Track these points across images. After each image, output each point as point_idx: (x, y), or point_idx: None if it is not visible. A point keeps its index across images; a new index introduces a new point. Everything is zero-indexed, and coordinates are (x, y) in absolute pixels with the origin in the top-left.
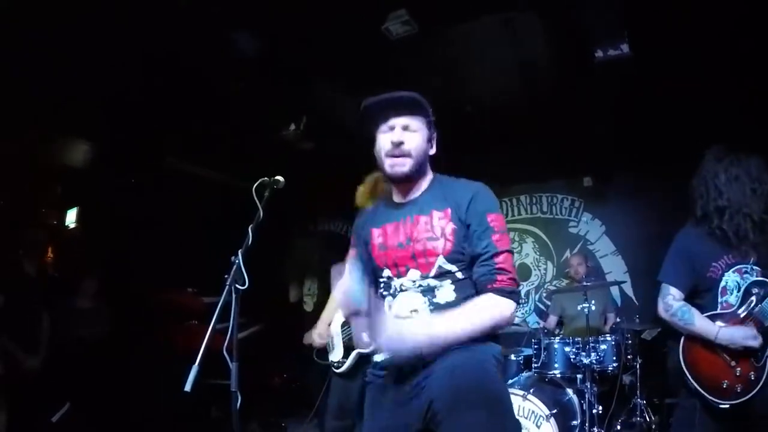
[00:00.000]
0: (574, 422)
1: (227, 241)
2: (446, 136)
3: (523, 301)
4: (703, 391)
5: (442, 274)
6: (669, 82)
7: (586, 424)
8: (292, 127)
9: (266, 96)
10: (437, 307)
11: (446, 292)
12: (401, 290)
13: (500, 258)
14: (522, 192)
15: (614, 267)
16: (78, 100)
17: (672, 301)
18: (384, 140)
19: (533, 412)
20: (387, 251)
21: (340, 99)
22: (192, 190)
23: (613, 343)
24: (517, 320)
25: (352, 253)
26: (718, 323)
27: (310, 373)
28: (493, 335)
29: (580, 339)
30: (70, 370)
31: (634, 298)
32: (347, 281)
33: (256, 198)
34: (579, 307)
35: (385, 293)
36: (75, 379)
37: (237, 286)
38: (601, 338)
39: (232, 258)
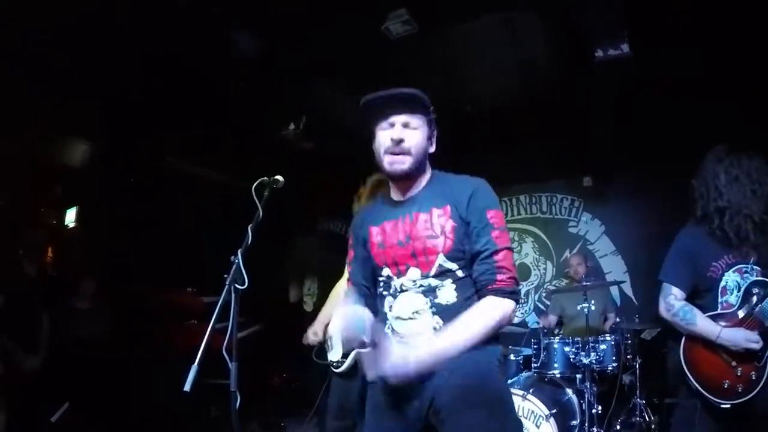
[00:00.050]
0: (574, 422)
1: (227, 241)
2: (446, 136)
3: (523, 301)
4: (704, 391)
5: (442, 273)
6: (669, 82)
7: (586, 424)
8: (292, 127)
9: (266, 96)
10: (439, 309)
11: (447, 292)
12: (402, 290)
13: (500, 256)
14: (522, 192)
15: (614, 267)
16: (78, 100)
17: (674, 300)
18: (384, 137)
19: (533, 411)
20: (386, 249)
21: (340, 99)
22: (192, 190)
23: (613, 343)
24: (516, 320)
25: (350, 255)
26: (721, 323)
27: (310, 372)
28: (494, 336)
29: (579, 339)
30: (70, 370)
31: (633, 298)
32: (345, 311)
33: (255, 198)
34: (578, 307)
35: (384, 293)
36: (75, 379)
37: (237, 285)
38: (600, 338)
39: (232, 258)
